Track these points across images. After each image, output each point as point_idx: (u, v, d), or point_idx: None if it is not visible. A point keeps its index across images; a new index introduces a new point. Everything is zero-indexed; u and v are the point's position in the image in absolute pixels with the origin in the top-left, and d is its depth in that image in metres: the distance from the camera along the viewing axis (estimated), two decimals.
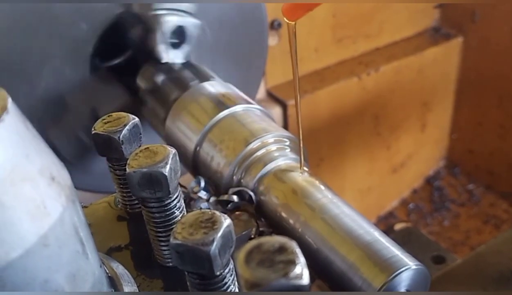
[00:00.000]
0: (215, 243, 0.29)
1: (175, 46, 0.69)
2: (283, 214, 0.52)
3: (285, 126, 1.43)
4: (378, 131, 1.62)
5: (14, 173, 0.24)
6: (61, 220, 0.26)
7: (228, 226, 0.30)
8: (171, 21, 0.67)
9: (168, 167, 0.35)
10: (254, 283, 0.22)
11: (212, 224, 0.30)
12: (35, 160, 0.25)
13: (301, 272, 0.22)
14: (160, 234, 0.38)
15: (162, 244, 0.38)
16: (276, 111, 1.42)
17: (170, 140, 0.66)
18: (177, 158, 0.36)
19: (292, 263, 0.23)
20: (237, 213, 0.54)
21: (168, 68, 0.70)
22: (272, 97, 1.44)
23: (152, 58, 0.71)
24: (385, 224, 1.72)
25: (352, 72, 1.50)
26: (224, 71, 0.80)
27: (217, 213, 0.31)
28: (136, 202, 0.44)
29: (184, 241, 0.29)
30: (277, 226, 0.53)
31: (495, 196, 1.75)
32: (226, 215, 0.31)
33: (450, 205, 1.77)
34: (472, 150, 1.78)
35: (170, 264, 0.39)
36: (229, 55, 0.83)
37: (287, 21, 0.47)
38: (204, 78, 0.68)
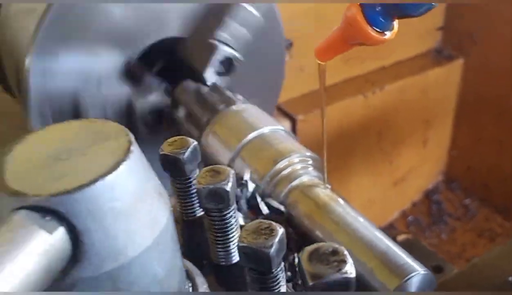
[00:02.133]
0: (274, 246, 0.37)
1: (220, 74, 0.79)
2: (309, 226, 0.61)
3: None
4: (381, 147, 1.71)
5: (138, 192, 0.32)
6: (166, 225, 0.34)
7: (282, 233, 0.39)
8: (224, 51, 0.77)
9: (229, 184, 0.43)
10: (316, 275, 0.31)
11: (270, 231, 0.38)
12: (150, 181, 0.34)
13: (350, 269, 0.31)
14: (218, 238, 0.46)
15: (219, 246, 0.47)
16: (285, 125, 1.51)
17: (204, 155, 0.74)
18: (235, 178, 0.45)
19: (344, 262, 0.31)
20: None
21: (207, 88, 0.79)
22: (282, 111, 1.53)
23: (195, 77, 0.80)
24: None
25: (359, 90, 1.59)
26: (242, 92, 0.89)
27: (273, 223, 0.39)
28: (191, 210, 0.52)
29: (249, 244, 0.37)
30: (304, 236, 0.61)
31: (490, 210, 1.84)
32: (280, 225, 0.39)
33: (447, 218, 1.85)
34: (470, 166, 1.87)
35: (223, 263, 0.48)
36: (248, 77, 0.91)
37: (318, 61, 0.55)
38: (235, 101, 0.77)
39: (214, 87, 0.80)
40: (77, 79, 0.73)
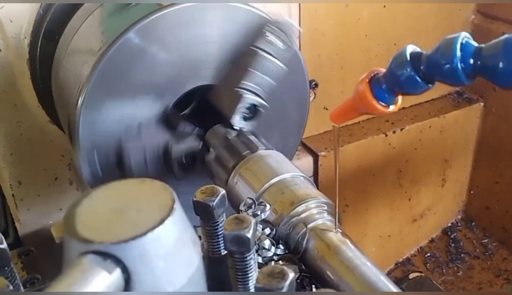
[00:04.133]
0: (284, 288, 0.45)
1: (246, 119, 0.88)
2: (321, 266, 0.68)
3: (316, 174, 1.59)
4: (400, 184, 1.77)
5: (178, 241, 0.41)
6: (198, 267, 0.43)
7: (293, 277, 0.47)
8: (250, 99, 0.86)
9: (251, 232, 0.52)
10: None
11: (282, 275, 0.46)
12: (187, 231, 0.43)
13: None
14: (238, 277, 0.54)
15: (239, 283, 0.55)
16: (308, 160, 1.59)
17: (231, 195, 0.83)
18: (256, 226, 0.53)
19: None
20: (284, 260, 0.70)
21: (235, 133, 0.89)
22: (306, 147, 1.61)
23: (223, 121, 0.90)
24: (403, 270, 1.85)
25: (379, 129, 1.66)
26: (268, 129, 0.97)
27: (285, 268, 0.47)
28: (217, 249, 0.61)
29: (265, 285, 0.46)
30: (316, 274, 0.69)
31: (508, 251, 1.87)
32: (291, 269, 0.47)
33: (465, 256, 1.89)
34: (488, 206, 1.91)
35: None
36: (274, 115, 1.00)
37: (334, 124, 0.63)
38: (260, 147, 0.86)
39: (241, 133, 0.89)
40: (120, 128, 0.83)
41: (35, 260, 1.08)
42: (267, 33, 0.86)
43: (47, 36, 1.10)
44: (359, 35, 1.56)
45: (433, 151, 1.78)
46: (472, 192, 1.95)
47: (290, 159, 0.95)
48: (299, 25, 1.46)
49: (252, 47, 0.86)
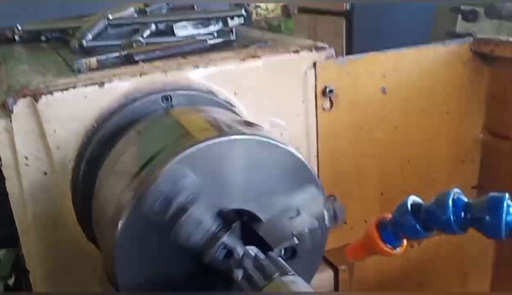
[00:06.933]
0: None
1: (281, 257, 0.95)
2: None
3: (336, 289, 1.63)
4: None
5: None
6: None
7: None
8: (294, 242, 0.94)
9: None
10: None
11: None
12: None
13: None
14: None
15: None
16: (328, 274, 1.63)
17: None
18: None
19: None
20: None
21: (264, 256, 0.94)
22: (326, 261, 1.66)
23: (261, 246, 0.96)
24: None
25: None
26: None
27: None
28: None
29: None
30: None
31: None
32: None
33: None
34: None
35: None
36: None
37: (349, 260, 0.71)
38: (285, 272, 0.92)
39: (271, 257, 0.96)
40: (160, 250, 0.91)
41: None
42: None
43: (89, 161, 1.23)
44: (374, 154, 1.66)
45: (451, 264, 1.80)
46: None
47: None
48: (317, 144, 1.57)
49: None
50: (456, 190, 0.56)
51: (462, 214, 0.55)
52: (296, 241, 0.92)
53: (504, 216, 0.52)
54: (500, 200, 0.53)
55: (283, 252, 0.95)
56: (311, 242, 0.93)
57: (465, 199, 0.57)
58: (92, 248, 1.28)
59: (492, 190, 1.84)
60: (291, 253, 0.95)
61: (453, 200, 0.56)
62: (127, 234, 0.91)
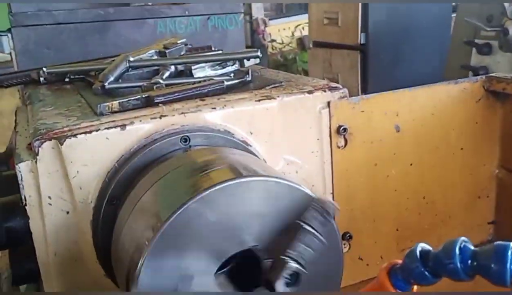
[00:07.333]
0: None
1: (288, 285, 0.98)
2: None
3: None
4: None
5: None
6: None
7: None
8: (293, 267, 0.96)
9: None
10: None
11: None
12: None
13: None
14: None
15: None
16: None
17: None
18: None
19: None
20: None
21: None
22: None
23: (266, 284, 0.99)
24: None
25: None
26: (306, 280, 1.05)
27: None
28: None
29: None
30: None
31: None
32: None
33: None
34: None
35: None
36: (310, 270, 1.08)
37: None
38: None
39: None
40: (174, 278, 0.94)
41: None
42: (312, 210, 0.99)
43: (110, 200, 1.27)
44: (389, 191, 1.68)
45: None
46: None
47: None
48: (332, 181, 1.60)
49: (298, 221, 0.98)
50: (462, 238, 0.58)
51: (469, 261, 0.57)
52: (295, 267, 0.94)
53: (508, 264, 0.54)
54: (505, 248, 0.55)
55: (288, 281, 0.98)
56: (311, 255, 0.95)
57: (472, 247, 0.59)
58: (111, 285, 1.31)
59: (509, 225, 1.84)
60: (296, 277, 0.97)
61: (460, 248, 0.58)
62: (147, 273, 0.94)
